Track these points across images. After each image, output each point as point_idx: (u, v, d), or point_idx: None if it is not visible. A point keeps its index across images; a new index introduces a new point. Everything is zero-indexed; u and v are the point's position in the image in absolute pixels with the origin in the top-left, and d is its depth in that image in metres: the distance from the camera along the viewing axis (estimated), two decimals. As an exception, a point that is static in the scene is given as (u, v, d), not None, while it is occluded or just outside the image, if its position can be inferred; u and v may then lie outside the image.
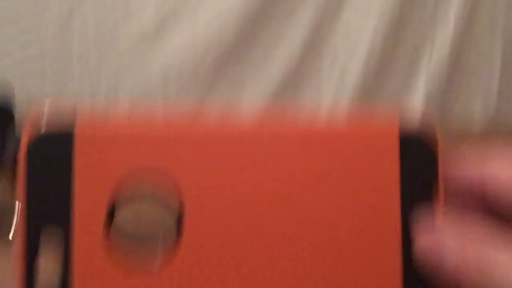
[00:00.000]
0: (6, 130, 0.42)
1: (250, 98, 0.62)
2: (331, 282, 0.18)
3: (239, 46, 0.61)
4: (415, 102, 0.65)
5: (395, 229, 0.18)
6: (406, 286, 0.18)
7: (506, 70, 0.66)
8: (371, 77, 0.64)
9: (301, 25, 0.62)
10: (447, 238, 0.16)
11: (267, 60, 0.63)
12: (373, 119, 0.19)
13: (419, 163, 0.19)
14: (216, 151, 0.19)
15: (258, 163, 0.19)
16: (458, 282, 0.16)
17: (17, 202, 0.19)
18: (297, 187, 0.19)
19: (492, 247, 0.15)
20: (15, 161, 0.19)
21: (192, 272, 0.18)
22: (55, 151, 0.19)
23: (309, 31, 0.62)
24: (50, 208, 0.19)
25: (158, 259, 0.18)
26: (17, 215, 0.18)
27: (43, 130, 0.19)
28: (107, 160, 0.19)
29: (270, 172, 0.19)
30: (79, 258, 0.18)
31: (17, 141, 0.24)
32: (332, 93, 0.65)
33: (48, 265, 0.19)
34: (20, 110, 0.45)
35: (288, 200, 0.19)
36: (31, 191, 0.19)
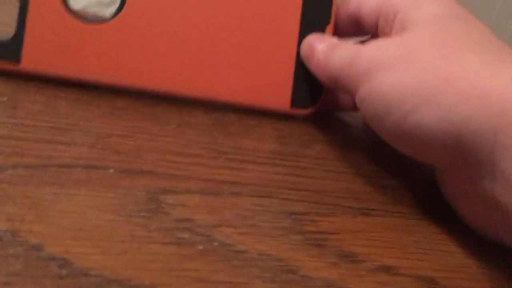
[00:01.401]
0: None
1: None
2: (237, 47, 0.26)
3: None
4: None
5: (294, 28, 0.26)
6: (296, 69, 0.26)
7: None
8: None
9: None
10: (320, 43, 0.25)
11: None
12: None
13: None
14: None
15: None
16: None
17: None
18: None
19: (339, 47, 0.24)
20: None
21: (133, 26, 0.24)
22: None
23: None
24: None
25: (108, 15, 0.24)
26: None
27: None
28: None
29: None
30: (34, 9, 0.23)
31: None
32: None
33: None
34: None
35: None
36: None
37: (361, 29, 0.27)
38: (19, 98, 0.21)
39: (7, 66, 0.23)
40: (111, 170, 0.18)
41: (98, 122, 0.21)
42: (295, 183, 0.21)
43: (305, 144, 0.24)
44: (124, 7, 0.24)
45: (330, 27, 0.27)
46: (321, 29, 0.27)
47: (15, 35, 0.23)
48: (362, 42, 0.28)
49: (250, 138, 0.23)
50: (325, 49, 0.25)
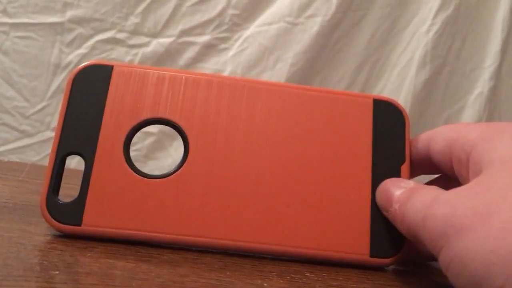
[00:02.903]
0: None
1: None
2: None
3: None
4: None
5: (367, 172, 0.24)
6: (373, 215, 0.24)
7: None
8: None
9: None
10: (396, 190, 0.22)
11: None
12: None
13: (390, 121, 0.25)
14: (221, 94, 0.25)
15: (253, 106, 0.25)
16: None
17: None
18: (286, 129, 0.24)
19: (413, 197, 0.21)
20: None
21: (196, 180, 0.23)
22: (95, 80, 0.24)
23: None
24: (79, 136, 0.23)
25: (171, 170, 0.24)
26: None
27: (88, 63, 0.24)
28: (134, 93, 0.24)
29: (262, 113, 0.25)
30: (98, 168, 0.23)
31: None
32: None
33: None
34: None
35: (274, 135, 0.24)
36: (68, 117, 0.23)
37: (436, 168, 0.24)
38: (71, 271, 0.19)
39: (69, 229, 0.22)
40: None
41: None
42: None
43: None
44: (186, 161, 0.24)
45: (405, 167, 0.24)
46: (395, 169, 0.24)
47: (77, 198, 0.23)
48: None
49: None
50: (401, 198, 0.22)
